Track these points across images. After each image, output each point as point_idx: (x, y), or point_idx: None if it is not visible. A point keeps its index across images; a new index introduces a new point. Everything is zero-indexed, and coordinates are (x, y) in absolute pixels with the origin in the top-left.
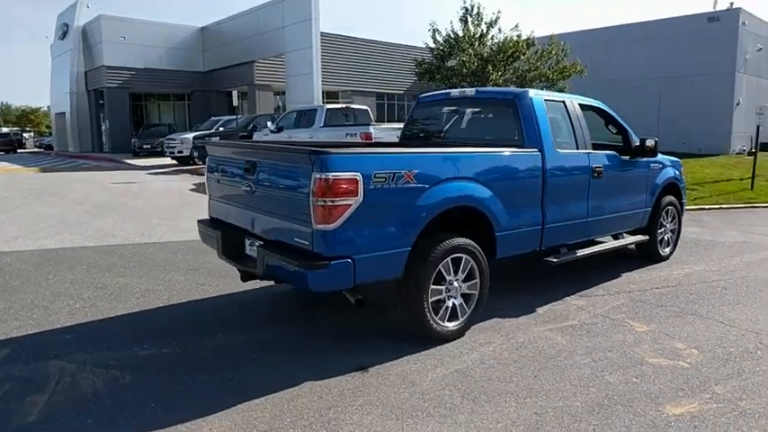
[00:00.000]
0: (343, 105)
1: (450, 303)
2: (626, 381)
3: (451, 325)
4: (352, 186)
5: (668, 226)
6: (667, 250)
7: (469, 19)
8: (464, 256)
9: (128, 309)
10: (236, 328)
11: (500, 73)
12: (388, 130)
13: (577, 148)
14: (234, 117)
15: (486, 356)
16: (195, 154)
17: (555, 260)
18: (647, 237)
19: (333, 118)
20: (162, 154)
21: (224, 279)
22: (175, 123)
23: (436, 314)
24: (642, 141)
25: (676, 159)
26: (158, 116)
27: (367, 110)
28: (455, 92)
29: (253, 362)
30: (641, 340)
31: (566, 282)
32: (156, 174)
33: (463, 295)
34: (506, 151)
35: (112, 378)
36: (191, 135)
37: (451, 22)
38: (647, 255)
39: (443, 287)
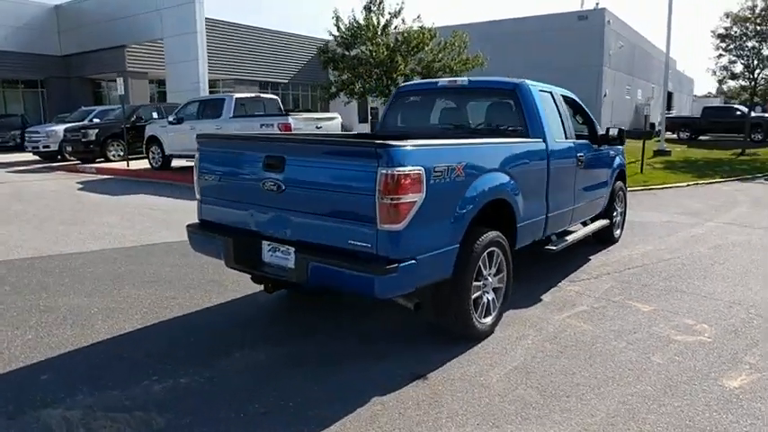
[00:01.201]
0: (253, 94)
1: (485, 299)
2: (671, 360)
3: (488, 321)
4: (418, 182)
5: (619, 209)
6: (618, 232)
7: (373, 8)
8: (496, 249)
9: (98, 335)
10: (248, 344)
11: (406, 64)
12: (307, 121)
13: (566, 138)
14: (114, 107)
15: (531, 351)
16: (68, 149)
17: (555, 248)
18: (608, 221)
19: (242, 108)
20: (15, 149)
21: (193, 290)
22: (27, 114)
23: (476, 311)
24: (607, 131)
25: (620, 147)
26: (4, 106)
27: (276, 99)
28: (443, 81)
29: (296, 382)
30: (654, 320)
31: (549, 269)
32: (20, 173)
33: (494, 289)
34: (524, 141)
35: (142, 422)
36: (59, 127)
37: (353, 11)
38: (604, 238)
39: (481, 283)
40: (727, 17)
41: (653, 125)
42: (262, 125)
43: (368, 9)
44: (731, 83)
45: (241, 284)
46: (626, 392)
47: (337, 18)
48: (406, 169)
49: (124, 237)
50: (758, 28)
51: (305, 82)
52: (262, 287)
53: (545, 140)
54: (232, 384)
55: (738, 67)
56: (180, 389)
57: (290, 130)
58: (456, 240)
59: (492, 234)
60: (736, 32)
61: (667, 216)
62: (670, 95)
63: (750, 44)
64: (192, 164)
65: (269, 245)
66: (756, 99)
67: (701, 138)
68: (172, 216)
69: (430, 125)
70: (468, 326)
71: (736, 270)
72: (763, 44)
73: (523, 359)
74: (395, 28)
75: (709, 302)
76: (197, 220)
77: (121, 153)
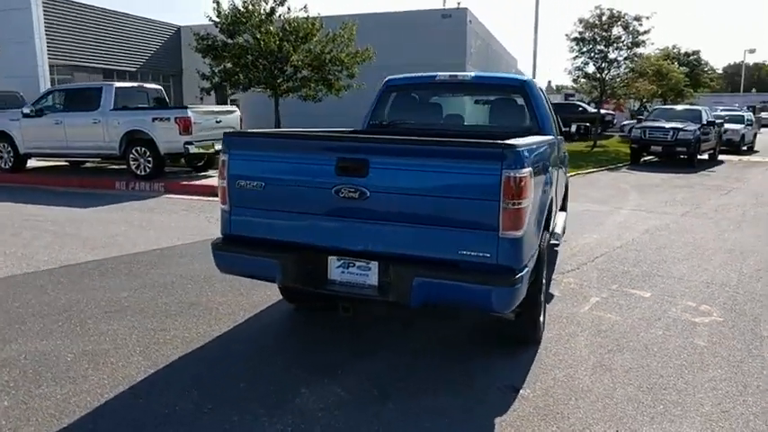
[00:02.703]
0: (135, 84)
1: (540, 299)
2: (710, 342)
3: (541, 321)
4: (531, 184)
5: (566, 201)
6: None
7: None
8: (545, 248)
9: (102, 390)
10: (306, 374)
11: (296, 54)
12: (207, 115)
13: (556, 133)
14: None
15: (593, 348)
16: None
17: (557, 242)
18: (565, 212)
19: (123, 98)
20: None
21: (180, 318)
22: None
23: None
24: (570, 127)
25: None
26: None
27: (160, 89)
28: (442, 75)
29: (400, 413)
30: (663, 305)
31: None
32: None
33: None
34: (550, 138)
35: None
36: None
37: None
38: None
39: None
40: (581, 23)
41: None
42: (155, 119)
43: None
44: (583, 81)
45: (232, 305)
46: (707, 378)
47: (218, 3)
48: (526, 171)
49: (29, 257)
50: (604, 34)
51: (156, 71)
52: (260, 306)
53: (554, 136)
54: (330, 428)
55: (591, 68)
56: None
57: (189, 126)
58: (538, 242)
59: (546, 234)
60: (588, 37)
61: (580, 206)
62: None
63: (599, 48)
64: (56, 163)
65: (339, 260)
66: (605, 96)
67: None
68: (73, 228)
69: (426, 122)
70: (537, 328)
71: (681, 253)
72: (609, 48)
73: (594, 358)
74: (280, 16)
75: (688, 284)
76: (220, 235)
77: None
